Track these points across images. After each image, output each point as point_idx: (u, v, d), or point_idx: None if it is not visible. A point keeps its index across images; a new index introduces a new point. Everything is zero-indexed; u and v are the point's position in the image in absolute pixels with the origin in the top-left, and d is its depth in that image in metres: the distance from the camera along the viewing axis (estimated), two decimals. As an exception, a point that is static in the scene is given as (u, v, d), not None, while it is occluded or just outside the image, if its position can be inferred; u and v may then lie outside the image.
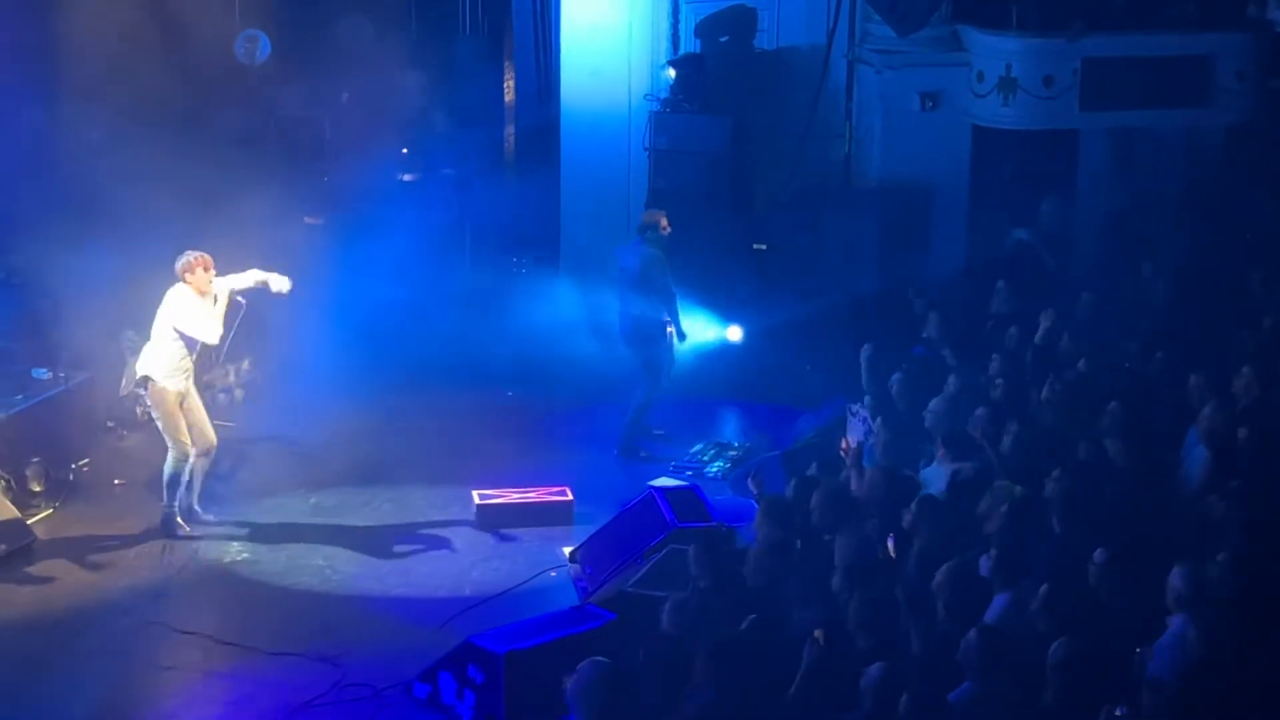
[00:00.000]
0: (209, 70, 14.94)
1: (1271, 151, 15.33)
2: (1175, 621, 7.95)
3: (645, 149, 16.18)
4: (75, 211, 13.15)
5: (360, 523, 12.60)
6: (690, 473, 13.36)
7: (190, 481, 12.30)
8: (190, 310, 12.02)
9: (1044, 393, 11.39)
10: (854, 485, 10.56)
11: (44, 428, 13.00)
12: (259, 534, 12.33)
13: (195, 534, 12.22)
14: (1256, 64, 15.41)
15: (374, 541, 12.28)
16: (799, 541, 9.69)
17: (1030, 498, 9.71)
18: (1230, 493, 9.42)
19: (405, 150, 16.86)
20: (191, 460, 12.23)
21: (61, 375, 13.27)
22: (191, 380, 12.29)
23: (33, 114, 14.30)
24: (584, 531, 12.04)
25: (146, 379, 12.13)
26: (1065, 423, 11.06)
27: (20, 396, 13.05)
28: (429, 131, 17.09)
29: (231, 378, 14.79)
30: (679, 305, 13.92)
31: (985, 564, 8.71)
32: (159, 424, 12.24)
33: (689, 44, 16.59)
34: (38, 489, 12.65)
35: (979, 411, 11.10)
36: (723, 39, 16.30)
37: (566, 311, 15.81)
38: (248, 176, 14.37)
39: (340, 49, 15.76)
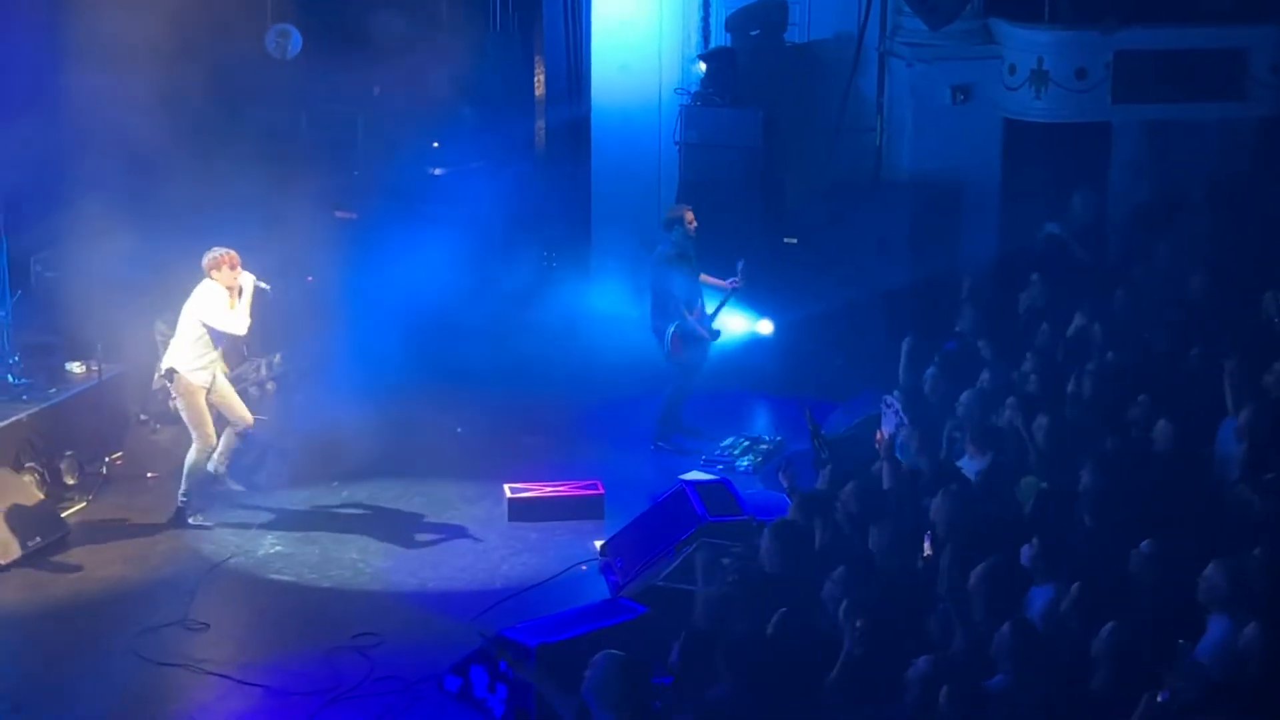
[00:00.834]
0: (241, 65, 15.00)
1: (1305, 145, 15.25)
2: (1218, 618, 7.90)
3: (675, 143, 16.16)
4: (108, 206, 13.18)
5: (392, 516, 12.63)
6: (721, 467, 13.36)
7: (222, 459, 12.42)
8: (217, 305, 12.11)
9: (1073, 385, 11.35)
10: (886, 477, 10.54)
11: (78, 421, 13.10)
12: (291, 527, 12.36)
13: (208, 525, 12.26)
14: (1290, 57, 15.34)
15: (406, 535, 12.30)
16: (830, 535, 9.66)
17: (1061, 491, 9.67)
18: (1265, 486, 9.38)
19: (436, 144, 16.87)
20: (215, 455, 12.37)
21: (95, 369, 13.35)
22: (218, 371, 12.37)
23: (67, 110, 14.36)
24: (615, 525, 12.04)
25: (172, 371, 12.22)
26: (1096, 415, 11.02)
27: (54, 390, 13.17)
28: (459, 125, 17.09)
29: (263, 371, 14.86)
30: (704, 302, 13.78)
31: (1026, 553, 8.68)
32: (183, 415, 12.33)
33: (719, 37, 16.59)
34: (71, 482, 12.72)
35: (1009, 401, 11.07)
36: (753, 32, 16.30)
37: (597, 305, 15.78)
38: (280, 171, 14.43)
39: (371, 43, 15.76)
